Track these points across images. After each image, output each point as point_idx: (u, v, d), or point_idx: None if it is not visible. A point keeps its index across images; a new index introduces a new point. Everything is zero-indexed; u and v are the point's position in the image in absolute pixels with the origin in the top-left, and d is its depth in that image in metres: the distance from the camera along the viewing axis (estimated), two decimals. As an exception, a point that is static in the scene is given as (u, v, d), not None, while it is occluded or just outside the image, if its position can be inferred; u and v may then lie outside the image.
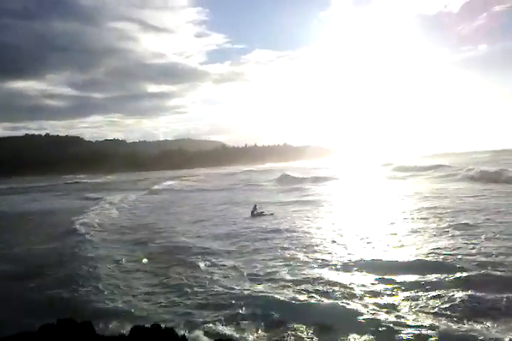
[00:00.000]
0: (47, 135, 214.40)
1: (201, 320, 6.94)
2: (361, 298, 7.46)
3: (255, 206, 19.06)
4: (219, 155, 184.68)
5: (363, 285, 8.12)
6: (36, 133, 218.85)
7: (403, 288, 7.86)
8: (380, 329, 6.13)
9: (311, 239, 12.80)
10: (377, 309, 6.91)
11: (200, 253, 11.72)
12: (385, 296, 7.50)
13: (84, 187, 57.54)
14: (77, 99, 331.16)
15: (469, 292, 7.25)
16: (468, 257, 9.44)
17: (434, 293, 7.42)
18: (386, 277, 8.51)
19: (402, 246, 11.12)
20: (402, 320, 6.40)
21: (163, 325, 5.39)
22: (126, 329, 5.88)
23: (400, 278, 8.41)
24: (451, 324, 6.21)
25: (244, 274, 9.47)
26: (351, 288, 7.99)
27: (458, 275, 8.25)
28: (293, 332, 6.34)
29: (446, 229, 12.65)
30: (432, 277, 8.25)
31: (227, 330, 6.46)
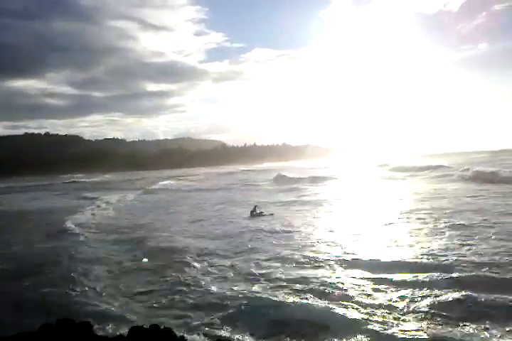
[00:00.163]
0: (47, 134, 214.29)
1: (198, 321, 6.94)
2: (357, 298, 7.49)
3: (256, 206, 19.16)
4: (219, 154, 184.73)
5: (359, 285, 8.16)
6: (36, 132, 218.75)
7: (399, 288, 7.89)
8: (375, 329, 6.15)
9: (308, 239, 12.83)
10: (373, 309, 6.95)
11: (197, 254, 11.74)
12: (380, 296, 7.54)
13: (82, 187, 57.56)
14: (77, 97, 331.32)
15: (464, 292, 7.28)
16: (463, 258, 9.47)
17: (429, 293, 7.46)
18: (382, 277, 8.55)
19: (399, 246, 11.16)
20: (398, 321, 6.43)
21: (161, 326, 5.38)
22: (124, 330, 5.88)
23: (396, 278, 8.44)
24: (445, 325, 6.24)
25: (241, 274, 9.50)
26: (346, 289, 8.01)
27: (453, 275, 8.30)
28: (291, 332, 6.36)
29: (442, 230, 12.70)
30: (428, 277, 8.28)
31: (224, 331, 6.47)
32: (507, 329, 5.98)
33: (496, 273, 8.34)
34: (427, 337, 5.86)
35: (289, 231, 14.34)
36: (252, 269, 9.83)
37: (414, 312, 6.77)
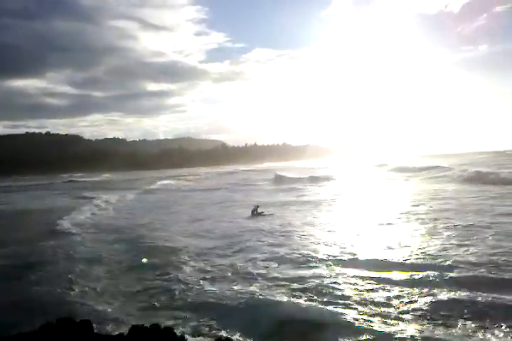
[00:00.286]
0: (47, 133, 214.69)
1: (197, 321, 6.96)
2: (356, 298, 7.51)
3: (257, 206, 19.28)
4: (219, 154, 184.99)
5: (358, 284, 8.19)
6: (36, 131, 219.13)
7: (398, 287, 7.90)
8: (374, 329, 6.17)
9: (308, 239, 12.85)
10: (372, 308, 6.98)
11: (197, 253, 11.77)
12: (379, 296, 7.55)
13: (80, 186, 57.55)
14: (77, 97, 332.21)
15: (462, 292, 7.33)
16: (461, 258, 9.50)
17: (427, 293, 7.48)
18: (381, 276, 8.58)
19: (397, 245, 11.16)
20: (397, 321, 6.46)
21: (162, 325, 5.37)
22: (124, 329, 5.84)
23: (394, 277, 8.47)
24: (444, 325, 6.27)
25: (241, 274, 9.51)
26: (345, 288, 8.03)
27: (451, 275, 8.34)
28: (290, 332, 6.38)
29: (440, 230, 12.72)
30: (426, 277, 8.31)
31: (224, 331, 6.47)
32: (505, 329, 6.00)
33: (494, 273, 8.36)
34: (426, 337, 5.88)
35: (289, 231, 14.37)
36: (252, 269, 9.84)
37: (413, 311, 6.79)
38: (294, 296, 7.77)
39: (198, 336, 6.30)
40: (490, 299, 6.98)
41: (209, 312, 7.26)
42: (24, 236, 15.79)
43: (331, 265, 9.72)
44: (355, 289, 7.99)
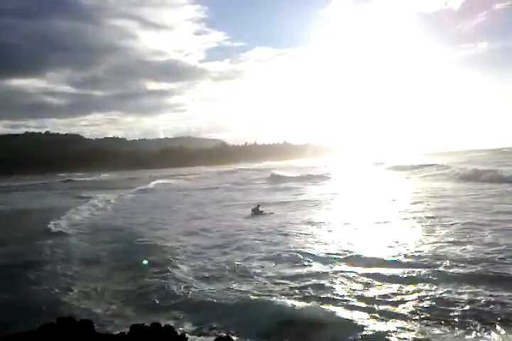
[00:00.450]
0: (47, 133, 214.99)
1: (196, 320, 6.97)
2: (355, 296, 7.54)
3: (258, 205, 19.40)
4: (219, 153, 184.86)
5: (356, 283, 8.23)
6: (36, 131, 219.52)
7: (397, 285, 7.92)
8: (373, 328, 6.18)
9: (307, 237, 12.90)
10: (370, 307, 6.99)
11: (196, 253, 11.83)
12: (378, 294, 7.57)
13: (82, 186, 57.67)
14: (77, 96, 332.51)
15: (459, 289, 7.40)
16: (458, 255, 9.55)
17: (427, 291, 7.53)
18: (379, 274, 8.62)
19: (395, 243, 11.20)
20: (396, 319, 6.47)
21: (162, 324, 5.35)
22: (124, 329, 5.79)
23: (394, 276, 8.48)
24: (443, 324, 6.28)
25: (240, 273, 9.53)
26: (344, 287, 8.06)
27: (447, 273, 8.40)
28: (290, 332, 6.40)
29: (437, 228, 12.75)
30: (425, 275, 8.37)
31: (223, 331, 6.44)
32: (502, 326, 6.03)
33: (490, 270, 8.38)
34: (424, 335, 5.93)
35: (288, 230, 14.40)
36: (252, 268, 9.87)
37: (410, 309, 6.82)
38: (292, 295, 7.82)
39: (199, 335, 6.32)
40: (487, 296, 7.04)
41: (208, 312, 7.29)
42: (22, 236, 15.81)
43: (329, 263, 9.75)
44: (352, 287, 8.03)
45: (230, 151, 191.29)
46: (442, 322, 6.35)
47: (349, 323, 6.36)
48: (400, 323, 6.35)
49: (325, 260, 10.04)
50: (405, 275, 8.47)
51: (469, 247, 10.21)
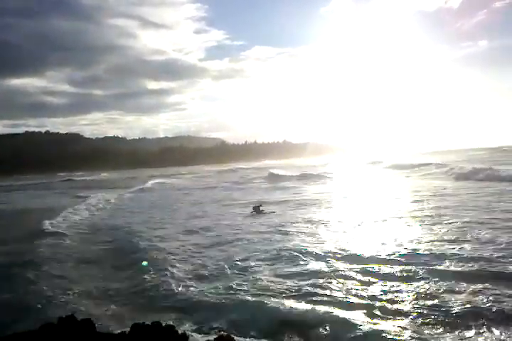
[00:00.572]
0: (47, 132, 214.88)
1: (195, 320, 6.99)
2: (353, 295, 7.56)
3: (260, 205, 19.42)
4: (219, 152, 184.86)
5: (355, 283, 8.24)
6: (36, 130, 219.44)
7: (397, 285, 7.94)
8: (373, 328, 6.18)
9: (306, 236, 12.93)
10: (369, 305, 7.02)
11: (196, 252, 11.83)
12: (376, 293, 7.59)
13: (81, 185, 57.73)
14: (77, 96, 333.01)
15: (459, 287, 7.44)
16: (457, 253, 9.57)
17: (427, 289, 7.56)
18: (379, 273, 8.67)
19: (394, 241, 11.24)
20: (395, 319, 6.50)
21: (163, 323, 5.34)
22: (126, 327, 5.75)
23: (393, 275, 8.51)
24: (442, 323, 6.30)
25: (240, 272, 9.54)
26: (342, 287, 8.07)
27: (445, 270, 8.45)
28: (289, 331, 6.42)
29: (435, 226, 12.79)
30: (421, 273, 8.41)
31: (223, 331, 6.42)
32: (500, 324, 6.06)
33: (488, 269, 8.40)
34: (423, 333, 5.96)
35: (288, 229, 14.42)
36: (251, 267, 9.90)
37: (410, 308, 6.84)
38: (291, 294, 7.83)
39: (200, 334, 6.33)
40: (485, 294, 7.07)
41: (207, 311, 7.30)
42: (21, 235, 15.83)
43: (328, 262, 9.77)
44: (351, 286, 8.06)
45: (230, 150, 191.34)
46: (440, 320, 6.37)
47: (348, 322, 6.37)
48: (398, 321, 6.38)
49: (324, 259, 10.06)
50: (404, 274, 8.50)
51: (467, 245, 10.23)
